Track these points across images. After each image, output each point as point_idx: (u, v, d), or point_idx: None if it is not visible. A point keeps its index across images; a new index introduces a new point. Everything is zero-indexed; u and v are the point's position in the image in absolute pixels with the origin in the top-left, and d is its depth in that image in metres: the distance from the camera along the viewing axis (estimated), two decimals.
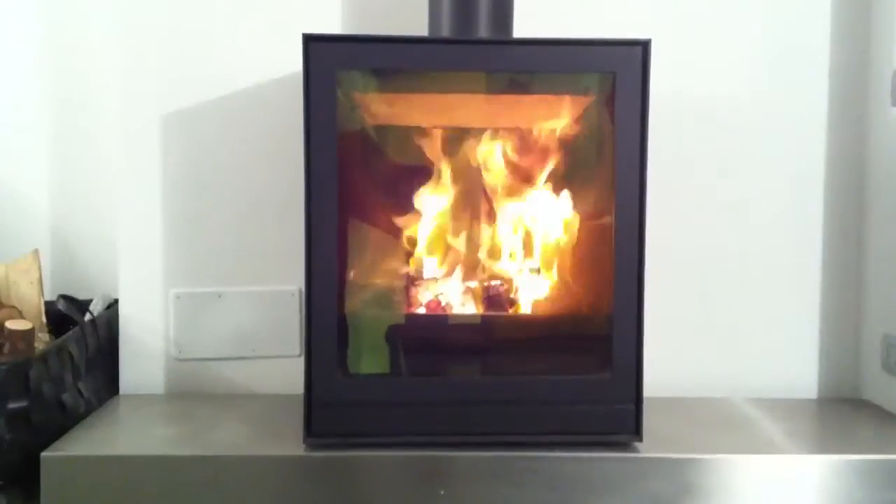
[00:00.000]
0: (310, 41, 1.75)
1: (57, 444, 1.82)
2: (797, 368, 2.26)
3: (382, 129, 1.94)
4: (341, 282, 1.81)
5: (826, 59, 2.22)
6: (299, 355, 2.21)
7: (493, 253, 1.94)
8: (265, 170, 2.17)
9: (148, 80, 2.16)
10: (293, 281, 2.20)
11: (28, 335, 1.85)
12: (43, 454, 1.77)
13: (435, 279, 1.94)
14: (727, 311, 2.24)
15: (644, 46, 1.72)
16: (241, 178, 2.18)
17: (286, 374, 2.20)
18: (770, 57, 2.21)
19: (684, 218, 2.21)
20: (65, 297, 2.15)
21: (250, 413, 2.04)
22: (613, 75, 1.72)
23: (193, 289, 2.19)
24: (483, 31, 1.82)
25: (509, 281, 1.94)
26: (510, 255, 1.94)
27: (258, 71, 2.15)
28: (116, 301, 2.22)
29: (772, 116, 2.22)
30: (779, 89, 2.21)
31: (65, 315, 2.12)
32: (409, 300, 1.95)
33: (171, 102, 2.16)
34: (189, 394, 2.19)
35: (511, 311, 1.93)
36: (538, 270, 1.94)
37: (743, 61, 2.20)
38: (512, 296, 1.93)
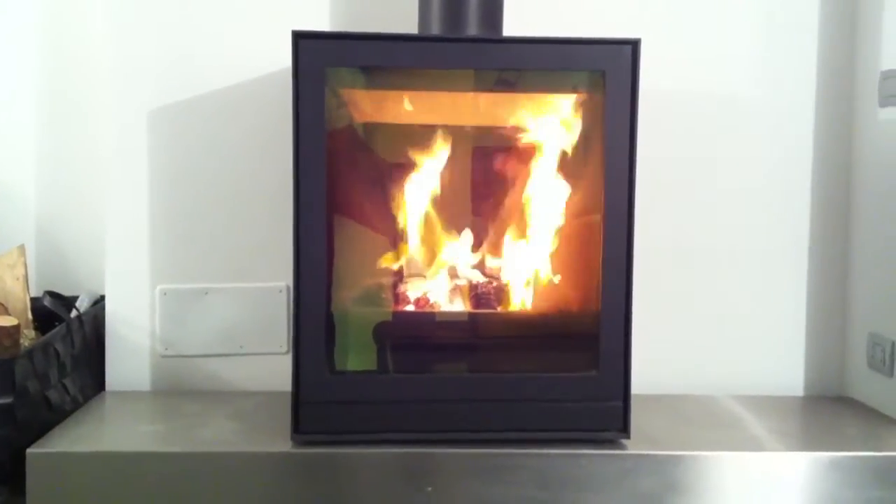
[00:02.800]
0: (300, 38, 1.75)
1: (42, 440, 1.81)
2: (783, 366, 2.27)
3: (371, 126, 1.94)
4: (329, 279, 1.81)
5: (814, 59, 2.22)
6: (287, 352, 2.21)
7: (481, 250, 1.94)
8: (253, 166, 2.17)
9: (136, 76, 2.15)
10: (281, 277, 2.19)
11: (13, 331, 1.83)
12: (29, 451, 1.76)
13: (423, 276, 1.94)
14: (714, 309, 2.24)
15: (634, 45, 1.72)
16: (229, 174, 2.17)
17: (273, 371, 2.19)
18: (759, 56, 2.22)
19: (672, 217, 2.21)
20: (51, 294, 2.14)
21: (237, 410, 2.04)
22: (603, 74, 1.72)
23: (180, 285, 2.18)
24: (473, 29, 1.81)
25: (497, 278, 1.94)
26: (498, 253, 1.94)
27: (246, 67, 2.15)
28: (102, 298, 2.21)
29: (760, 115, 2.22)
30: (768, 89, 2.22)
31: (51, 311, 2.11)
32: (396, 298, 1.94)
33: (159, 98, 2.16)
34: (175, 391, 2.19)
35: (499, 308, 1.93)
36: (526, 268, 1.94)
37: (733, 60, 2.21)
38: (499, 293, 1.93)
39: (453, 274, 1.93)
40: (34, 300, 2.13)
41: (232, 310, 2.19)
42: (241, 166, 2.17)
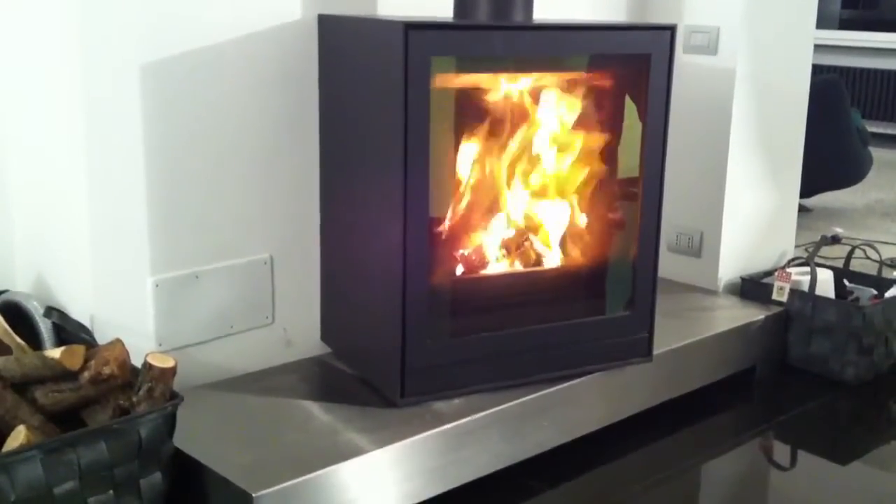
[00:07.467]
0: (409, 29, 1.79)
1: None
2: None
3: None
4: (431, 257, 1.94)
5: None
6: (272, 323, 2.21)
7: (531, 208, 2.16)
8: (234, 131, 2.07)
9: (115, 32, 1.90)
10: (264, 248, 2.17)
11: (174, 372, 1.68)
12: None
13: (482, 236, 2.11)
14: None
15: (672, 31, 2.06)
16: (209, 141, 2.05)
17: (263, 347, 2.19)
18: None
19: None
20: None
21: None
22: (649, 56, 2.05)
23: (172, 273, 2.04)
24: (518, 16, 1.99)
25: (542, 233, 2.18)
26: (546, 209, 2.17)
27: (228, 28, 2.03)
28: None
29: None
30: None
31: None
32: (470, 264, 2.10)
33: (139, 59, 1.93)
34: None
35: (548, 263, 2.18)
36: (572, 224, 2.19)
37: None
38: (547, 248, 2.18)
39: (504, 230, 2.14)
40: None
41: (222, 290, 2.12)
42: (221, 132, 2.06)
